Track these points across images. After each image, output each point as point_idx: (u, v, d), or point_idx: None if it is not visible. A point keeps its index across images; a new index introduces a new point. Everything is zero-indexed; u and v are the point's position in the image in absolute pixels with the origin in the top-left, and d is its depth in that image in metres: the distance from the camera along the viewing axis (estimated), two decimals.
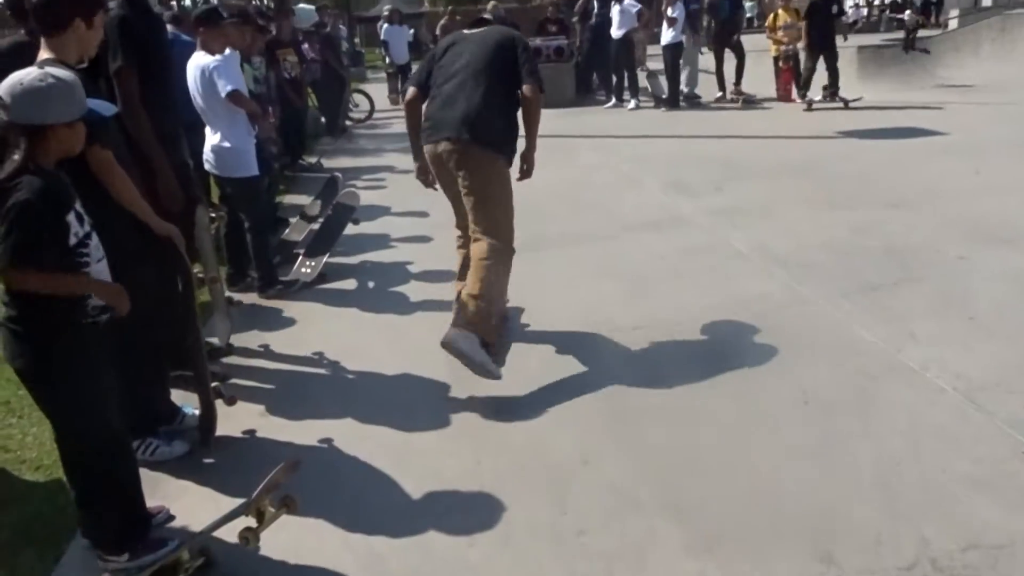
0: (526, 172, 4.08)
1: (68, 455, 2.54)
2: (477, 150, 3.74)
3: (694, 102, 12.79)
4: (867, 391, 3.40)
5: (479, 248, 3.77)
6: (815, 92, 11.69)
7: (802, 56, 12.25)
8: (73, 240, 2.31)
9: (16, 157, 2.21)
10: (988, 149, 7.93)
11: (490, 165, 3.81)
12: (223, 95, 4.57)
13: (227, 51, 4.78)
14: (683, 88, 12.65)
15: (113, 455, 2.53)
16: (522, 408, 3.45)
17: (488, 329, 3.59)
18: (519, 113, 3.87)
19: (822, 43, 11.35)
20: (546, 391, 3.58)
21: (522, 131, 3.87)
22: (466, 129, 3.71)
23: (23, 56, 2.79)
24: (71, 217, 2.30)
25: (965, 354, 3.65)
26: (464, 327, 3.52)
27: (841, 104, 11.36)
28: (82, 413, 2.43)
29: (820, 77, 11.65)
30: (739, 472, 2.89)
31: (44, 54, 2.79)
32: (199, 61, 4.61)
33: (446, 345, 3.50)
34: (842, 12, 12.21)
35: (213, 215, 4.51)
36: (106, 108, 2.67)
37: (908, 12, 11.87)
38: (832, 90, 11.50)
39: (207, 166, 4.92)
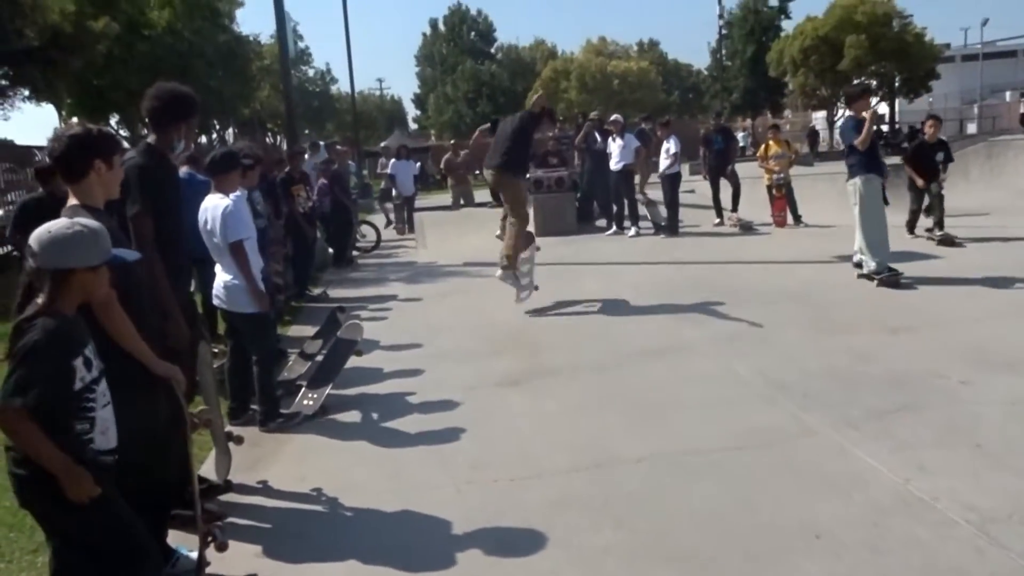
0: None
1: None
2: (500, 173, 7.66)
3: (891, 280, 7.77)
4: (879, 525, 3.31)
5: (509, 224, 7.85)
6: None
7: (793, 184, 12.66)
8: (79, 385, 2.35)
9: (39, 300, 2.32)
10: (983, 273, 8.03)
11: (508, 180, 7.74)
12: (227, 242, 4.74)
13: (237, 191, 4.99)
14: (867, 260, 7.97)
15: None
16: (524, 546, 3.36)
17: (512, 264, 7.68)
18: (526, 154, 8.00)
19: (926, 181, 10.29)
20: (548, 527, 3.50)
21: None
22: (494, 162, 7.65)
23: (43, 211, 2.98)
24: (78, 362, 2.35)
25: (975, 484, 3.58)
26: (503, 270, 7.70)
27: (947, 242, 9.99)
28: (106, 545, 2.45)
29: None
30: None
31: (71, 201, 2.94)
32: (214, 202, 4.80)
33: (500, 278, 7.77)
34: (949, 159, 10.55)
35: (216, 350, 4.56)
36: (128, 254, 2.77)
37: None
38: (939, 229, 10.32)
39: (216, 301, 5.03)
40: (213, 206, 4.80)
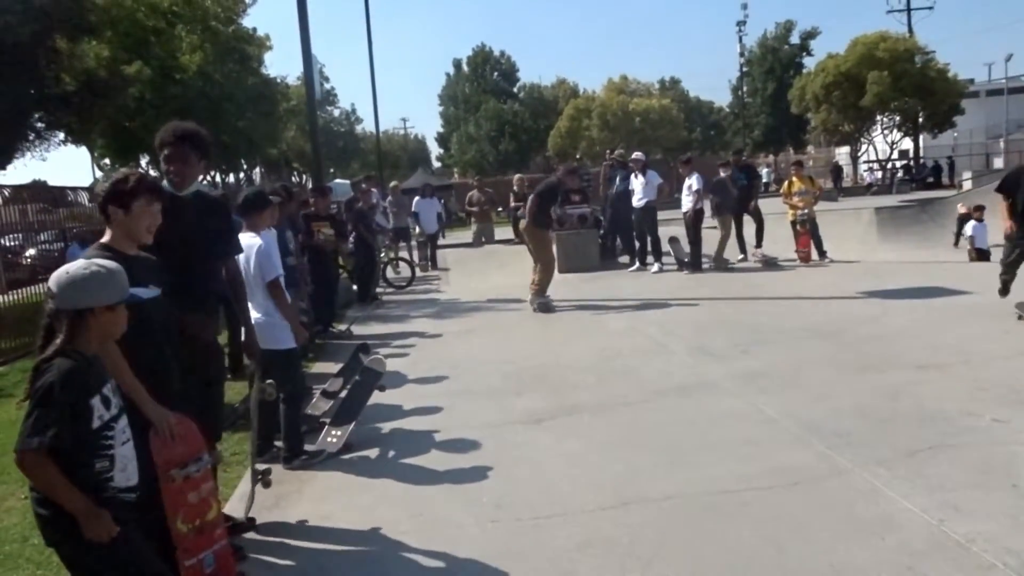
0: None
1: None
2: (528, 225, 10.55)
3: None
4: (913, 569, 3.22)
5: (538, 268, 10.18)
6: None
7: (818, 219, 12.57)
8: (97, 423, 2.38)
9: (58, 341, 2.36)
10: (1014, 307, 7.89)
11: (532, 231, 10.47)
12: (265, 281, 4.82)
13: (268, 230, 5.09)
14: None
15: None
16: None
17: (540, 293, 10.12)
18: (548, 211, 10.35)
19: None
20: (574, 568, 3.45)
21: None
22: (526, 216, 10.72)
23: None
24: (96, 401, 2.38)
25: (1013, 526, 3.49)
26: (533, 297, 10.14)
27: None
28: None
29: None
30: None
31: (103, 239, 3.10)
32: (248, 241, 4.90)
33: (534, 307, 10.06)
34: None
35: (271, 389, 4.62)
36: (146, 292, 2.84)
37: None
38: None
39: None
40: (247, 245, 4.89)
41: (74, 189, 15.37)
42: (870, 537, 3.52)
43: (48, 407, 2.27)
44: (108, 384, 2.48)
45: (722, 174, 13.23)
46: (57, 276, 2.45)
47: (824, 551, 3.43)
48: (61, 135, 17.49)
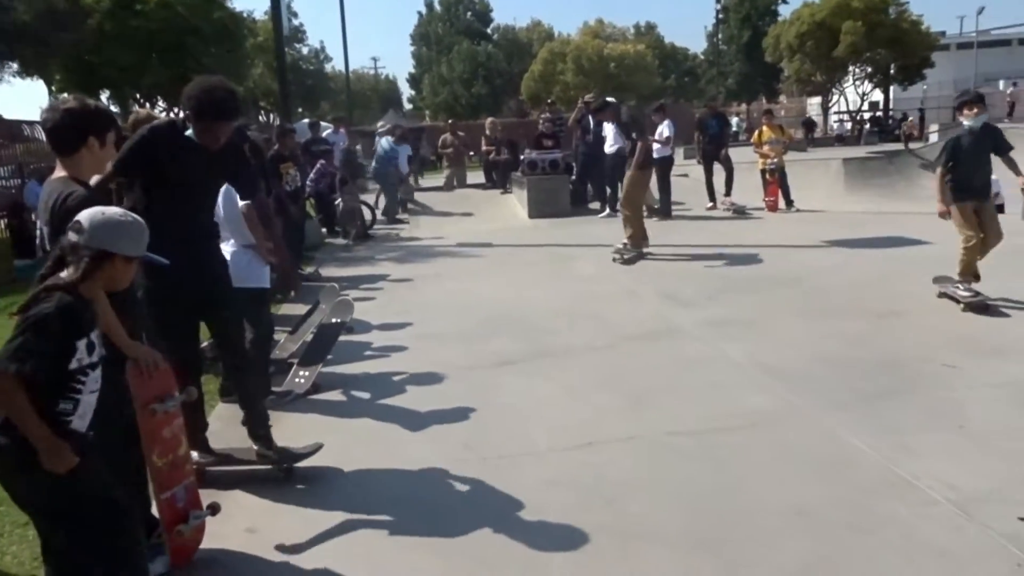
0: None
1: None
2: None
3: None
4: (861, 504, 3.37)
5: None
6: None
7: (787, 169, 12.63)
8: (74, 365, 2.36)
9: (64, 274, 2.39)
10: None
11: None
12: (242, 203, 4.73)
13: None
14: None
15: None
16: (516, 523, 3.40)
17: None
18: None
19: None
20: (540, 506, 3.53)
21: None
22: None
23: None
24: (82, 343, 2.37)
25: (957, 464, 3.65)
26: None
27: None
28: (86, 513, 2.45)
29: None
30: None
31: (59, 172, 2.94)
32: None
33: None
34: None
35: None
36: (157, 260, 2.79)
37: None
38: None
39: None
40: None
41: (31, 123, 14.87)
42: (825, 476, 3.66)
43: (37, 336, 2.26)
44: (96, 331, 2.47)
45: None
46: (92, 214, 2.46)
47: (781, 488, 3.56)
48: (15, 67, 16.86)
